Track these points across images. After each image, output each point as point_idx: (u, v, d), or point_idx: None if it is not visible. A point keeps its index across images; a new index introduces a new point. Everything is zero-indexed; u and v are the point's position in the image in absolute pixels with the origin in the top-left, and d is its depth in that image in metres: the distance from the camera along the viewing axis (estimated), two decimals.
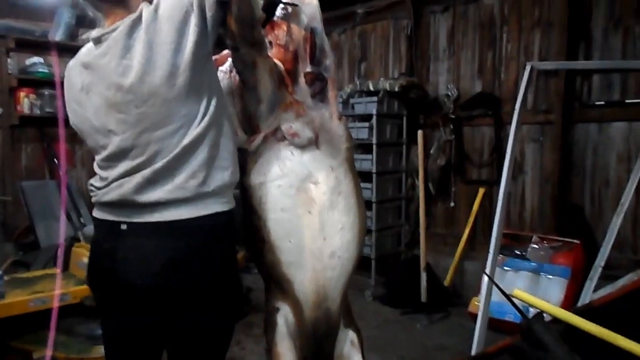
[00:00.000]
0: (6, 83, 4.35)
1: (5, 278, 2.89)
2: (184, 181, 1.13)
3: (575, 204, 3.50)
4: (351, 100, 4.15)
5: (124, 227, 1.17)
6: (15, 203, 4.35)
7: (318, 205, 1.30)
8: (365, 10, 4.53)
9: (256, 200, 1.31)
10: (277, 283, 1.36)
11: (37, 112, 4.46)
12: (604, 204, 3.39)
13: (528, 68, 3.30)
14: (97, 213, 1.25)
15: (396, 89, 3.96)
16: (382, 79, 4.23)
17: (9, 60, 4.36)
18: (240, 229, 1.35)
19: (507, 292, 1.27)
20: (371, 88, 4.07)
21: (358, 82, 4.30)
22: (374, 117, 3.93)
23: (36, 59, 4.46)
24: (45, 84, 4.48)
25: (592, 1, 3.36)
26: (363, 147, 3.97)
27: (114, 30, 1.15)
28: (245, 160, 1.34)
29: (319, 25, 1.40)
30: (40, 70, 4.45)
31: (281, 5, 1.33)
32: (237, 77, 1.34)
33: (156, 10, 1.12)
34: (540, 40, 3.64)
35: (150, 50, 1.09)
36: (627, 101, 3.28)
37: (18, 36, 4.31)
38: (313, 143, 1.33)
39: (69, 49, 5.09)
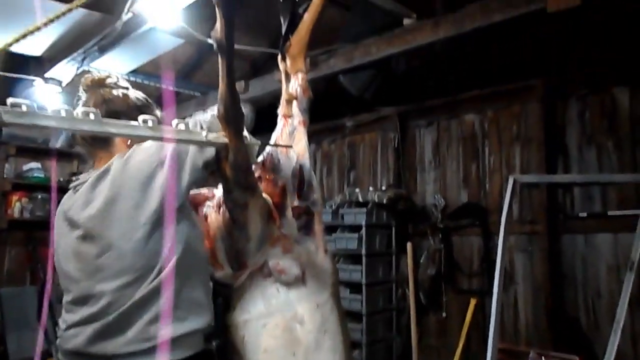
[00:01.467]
0: (0, 187, 4.41)
1: None
2: (136, 335, 1.10)
3: (571, 316, 3.43)
4: (340, 211, 4.21)
5: None
6: None
7: (303, 346, 1.26)
8: (354, 123, 4.77)
9: (239, 339, 1.28)
10: None
11: (27, 215, 4.48)
12: (598, 315, 3.32)
13: (511, 181, 3.44)
14: None
15: (385, 201, 4.05)
16: (371, 189, 4.34)
17: (6, 165, 4.46)
18: None
19: None
20: (360, 199, 4.16)
21: (347, 192, 4.40)
22: (364, 228, 3.96)
23: (34, 164, 4.58)
24: (39, 188, 4.55)
25: (566, 119, 3.59)
26: (352, 257, 3.96)
27: (84, 182, 1.21)
28: (230, 295, 1.32)
29: (307, 161, 1.47)
30: (36, 175, 4.55)
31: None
32: (227, 214, 1.37)
33: (126, 163, 1.16)
34: (521, 153, 3.82)
35: (111, 203, 1.12)
36: (609, 213, 3.37)
37: (20, 144, 4.46)
38: (300, 280, 1.33)
39: (67, 156, 5.26)
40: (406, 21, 3.03)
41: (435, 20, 2.88)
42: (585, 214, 3.46)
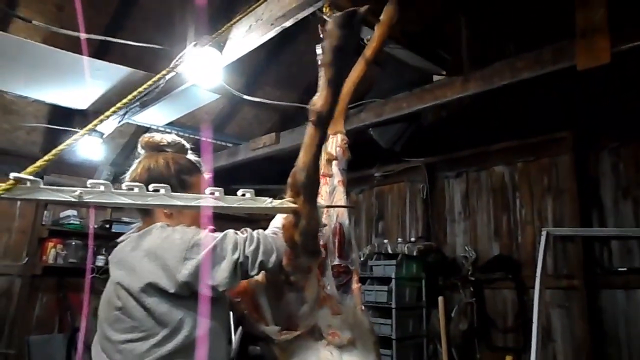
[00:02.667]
0: (37, 234, 4.54)
1: None
2: None
3: None
4: (369, 262, 4.17)
5: None
6: (17, 357, 4.20)
7: None
8: (382, 174, 4.81)
9: None
10: None
11: (60, 262, 4.56)
12: None
13: (544, 234, 3.37)
14: None
15: (414, 253, 4.01)
16: (400, 240, 4.31)
17: (45, 212, 4.61)
18: None
19: None
20: (389, 251, 4.12)
21: (376, 244, 4.38)
22: (393, 280, 3.91)
23: (70, 212, 4.71)
24: (74, 234, 4.66)
25: (599, 171, 3.54)
26: (382, 310, 3.88)
27: (123, 241, 1.28)
28: (272, 351, 1.31)
29: (346, 220, 1.49)
30: (72, 222, 4.67)
31: None
32: (280, 277, 1.35)
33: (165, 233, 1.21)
34: (553, 205, 3.75)
35: (142, 261, 1.18)
36: None
37: None
38: (352, 342, 1.31)
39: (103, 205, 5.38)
40: (436, 77, 3.10)
41: (465, 76, 2.95)
42: (625, 268, 3.34)
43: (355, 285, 1.43)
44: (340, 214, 1.48)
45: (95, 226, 4.77)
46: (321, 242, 1.42)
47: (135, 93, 1.39)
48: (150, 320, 1.14)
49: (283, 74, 4.26)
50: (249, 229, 1.25)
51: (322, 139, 1.16)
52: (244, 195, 1.17)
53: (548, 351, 3.54)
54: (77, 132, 1.21)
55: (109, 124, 3.58)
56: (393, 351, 3.78)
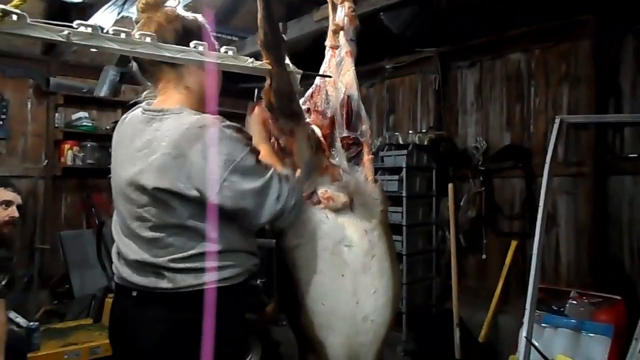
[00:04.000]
0: (52, 136, 4.62)
1: (41, 328, 2.96)
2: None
3: (614, 258, 3.39)
4: (380, 153, 4.21)
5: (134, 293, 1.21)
6: (52, 252, 4.50)
7: (351, 268, 1.32)
8: (393, 66, 4.67)
9: (291, 262, 1.35)
10: (310, 345, 1.36)
11: (79, 163, 4.68)
12: None
13: (557, 121, 3.33)
14: None
15: (425, 143, 4.01)
16: (410, 132, 4.30)
17: (56, 114, 4.65)
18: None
19: (547, 353, 1.23)
20: (400, 141, 4.13)
21: (387, 135, 4.38)
22: (404, 170, 3.96)
23: (82, 114, 4.74)
24: (88, 136, 4.73)
25: (620, 57, 3.39)
26: (393, 199, 3.97)
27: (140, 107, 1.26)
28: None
29: (355, 92, 1.48)
30: (84, 124, 4.72)
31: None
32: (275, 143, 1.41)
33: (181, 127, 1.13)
34: (569, 94, 3.66)
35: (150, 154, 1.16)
36: None
37: (67, 92, 4.61)
38: (347, 206, 1.37)
39: (112, 104, 5.39)
40: None
41: None
42: (635, 155, 3.33)
43: (366, 157, 1.46)
44: (349, 85, 1.47)
45: (107, 127, 4.81)
46: (328, 114, 1.44)
47: None
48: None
49: None
50: (288, 174, 1.22)
51: None
52: (226, 52, 1.18)
53: (551, 235, 3.67)
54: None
55: (108, 17, 3.46)
56: (403, 237, 3.97)
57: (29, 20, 0.95)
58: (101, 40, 1.01)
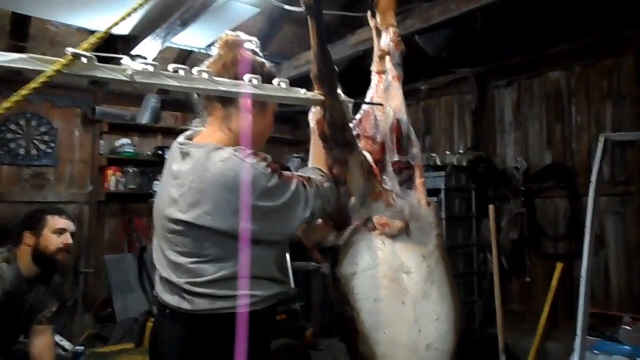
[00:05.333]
0: (97, 162, 4.79)
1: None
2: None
3: None
4: None
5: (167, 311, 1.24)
6: (95, 276, 4.62)
7: (411, 295, 1.31)
8: (428, 87, 4.67)
9: (349, 290, 1.34)
10: None
11: (121, 188, 4.82)
12: None
13: (602, 139, 3.24)
14: None
15: (464, 164, 3.97)
16: (448, 153, 4.26)
17: (101, 141, 4.82)
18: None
19: None
20: (438, 163, 4.10)
21: (424, 157, 4.36)
22: (443, 192, 3.92)
23: (124, 140, 4.90)
24: (130, 162, 4.88)
25: None
26: None
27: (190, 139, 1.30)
28: (337, 250, 1.38)
29: (404, 116, 1.48)
30: (127, 150, 4.87)
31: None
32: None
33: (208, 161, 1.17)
34: (612, 111, 3.57)
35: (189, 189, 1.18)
36: None
37: (111, 120, 4.79)
38: (404, 232, 1.36)
39: (152, 131, 5.53)
40: None
41: None
42: None
43: (418, 180, 1.45)
44: (397, 109, 1.47)
45: (148, 153, 4.95)
46: (378, 140, 1.44)
47: None
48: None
49: None
50: (312, 177, 1.25)
51: (319, 26, 1.24)
52: (279, 85, 1.23)
53: (600, 257, 3.54)
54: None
55: (152, 47, 3.59)
56: None
57: (96, 62, 1.00)
58: (161, 78, 1.05)
